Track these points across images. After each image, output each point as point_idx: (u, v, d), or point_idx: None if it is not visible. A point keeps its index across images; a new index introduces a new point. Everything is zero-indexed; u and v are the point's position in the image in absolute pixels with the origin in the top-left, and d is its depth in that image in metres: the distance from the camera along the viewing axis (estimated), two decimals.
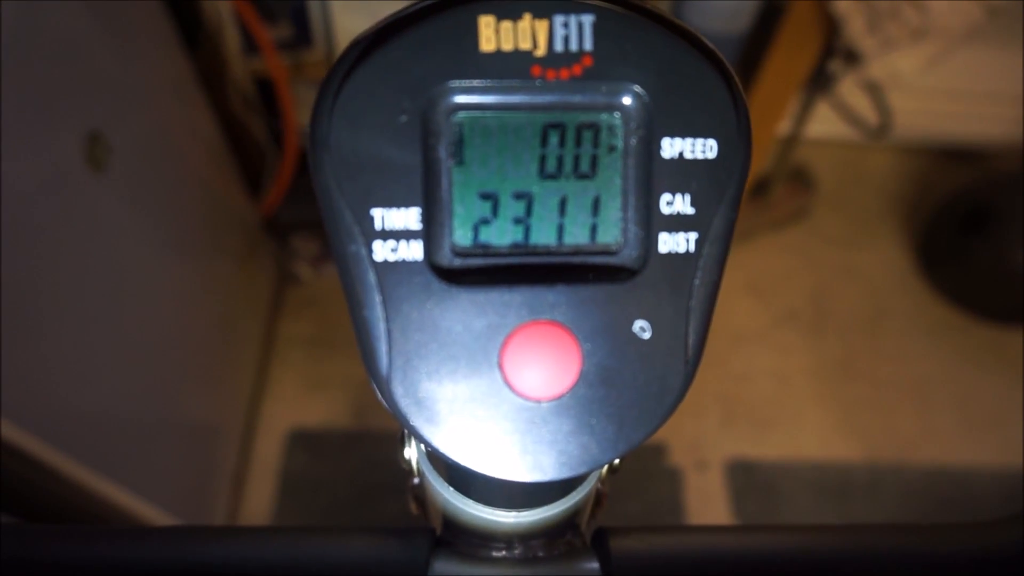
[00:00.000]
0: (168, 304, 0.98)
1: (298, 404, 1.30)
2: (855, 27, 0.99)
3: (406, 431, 0.28)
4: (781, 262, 1.53)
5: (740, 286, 1.48)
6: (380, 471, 1.22)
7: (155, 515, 0.85)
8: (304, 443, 1.26)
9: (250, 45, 1.17)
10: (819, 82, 1.21)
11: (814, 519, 1.25)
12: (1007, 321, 1.46)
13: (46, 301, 0.72)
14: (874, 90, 1.21)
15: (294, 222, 1.38)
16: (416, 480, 0.31)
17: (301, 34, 1.19)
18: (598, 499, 0.30)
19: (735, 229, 0.19)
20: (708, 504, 1.25)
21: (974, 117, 1.55)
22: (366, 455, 1.25)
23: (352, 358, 1.34)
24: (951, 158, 1.67)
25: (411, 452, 0.28)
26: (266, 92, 1.23)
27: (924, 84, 1.40)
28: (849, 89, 1.25)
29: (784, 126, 1.35)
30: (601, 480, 0.28)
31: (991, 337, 1.46)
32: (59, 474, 0.70)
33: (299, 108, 1.26)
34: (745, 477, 1.28)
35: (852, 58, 1.08)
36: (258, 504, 1.20)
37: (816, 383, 1.39)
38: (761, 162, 1.44)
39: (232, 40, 1.16)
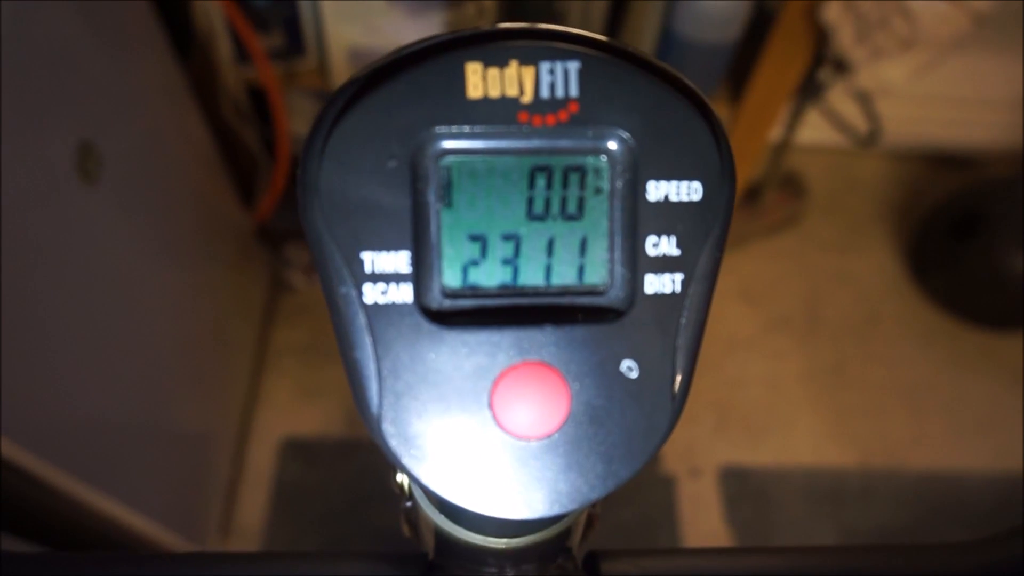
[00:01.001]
0: (161, 313, 0.98)
1: (291, 412, 1.29)
2: (844, 37, 1.00)
3: None
4: (773, 268, 1.54)
5: (733, 292, 1.49)
6: (374, 480, 1.22)
7: (146, 526, 0.85)
8: (298, 451, 1.25)
9: (242, 54, 1.17)
10: (809, 90, 1.22)
11: (807, 525, 1.25)
12: (998, 326, 1.47)
13: (36, 312, 0.71)
14: (863, 98, 1.22)
15: (287, 230, 1.38)
16: (408, 503, 0.31)
17: (293, 43, 1.19)
18: (590, 521, 0.30)
19: (725, 245, 0.19)
20: (701, 511, 1.25)
21: (963, 123, 1.57)
22: (360, 464, 1.25)
23: None
24: (941, 164, 1.68)
25: (403, 476, 0.29)
26: (258, 100, 1.23)
27: (913, 91, 1.41)
28: (839, 97, 1.26)
29: (775, 133, 1.36)
30: (593, 503, 0.29)
31: (982, 342, 1.47)
32: (47, 485, 0.70)
33: (291, 116, 1.26)
34: (738, 483, 1.28)
35: (842, 67, 1.09)
36: (251, 513, 1.19)
37: (809, 389, 1.40)
38: (753, 169, 1.44)
39: (224, 48, 1.16)
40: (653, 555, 0.28)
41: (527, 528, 0.24)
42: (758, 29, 1.11)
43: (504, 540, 0.25)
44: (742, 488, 1.28)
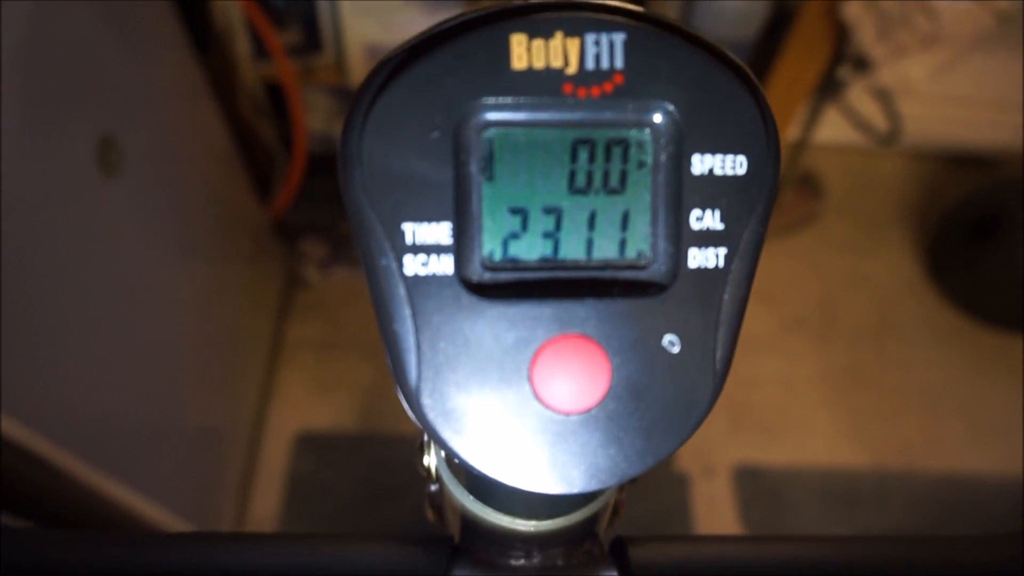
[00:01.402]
0: (177, 307, 0.98)
1: (306, 407, 1.30)
2: (865, 34, 0.99)
3: (427, 439, 0.28)
4: (789, 268, 1.53)
5: None
6: (388, 474, 1.22)
7: (162, 517, 0.86)
8: (311, 446, 1.26)
9: (260, 50, 1.17)
10: (828, 88, 1.21)
11: (821, 526, 1.24)
12: (1016, 329, 1.45)
13: (57, 304, 0.72)
14: (884, 96, 1.21)
15: (302, 226, 1.39)
16: (434, 487, 0.31)
17: (311, 39, 1.20)
18: (616, 508, 0.30)
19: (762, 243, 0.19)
20: (715, 510, 1.24)
21: (984, 124, 1.55)
22: (374, 458, 1.26)
23: (360, 361, 1.34)
24: (960, 164, 1.66)
25: (430, 460, 0.28)
26: (276, 97, 1.24)
27: (934, 90, 1.40)
28: (858, 95, 1.25)
29: (793, 132, 1.35)
30: (620, 488, 0.29)
31: (999, 345, 1.45)
32: (67, 476, 0.71)
33: (308, 113, 1.26)
34: (752, 483, 1.27)
35: (862, 64, 1.08)
36: (265, 507, 1.20)
37: (824, 390, 1.39)
38: None
39: (242, 45, 1.16)
40: (680, 541, 0.28)
41: (560, 507, 0.24)
42: (777, 26, 1.10)
43: (533, 523, 0.25)
44: (756, 488, 1.27)
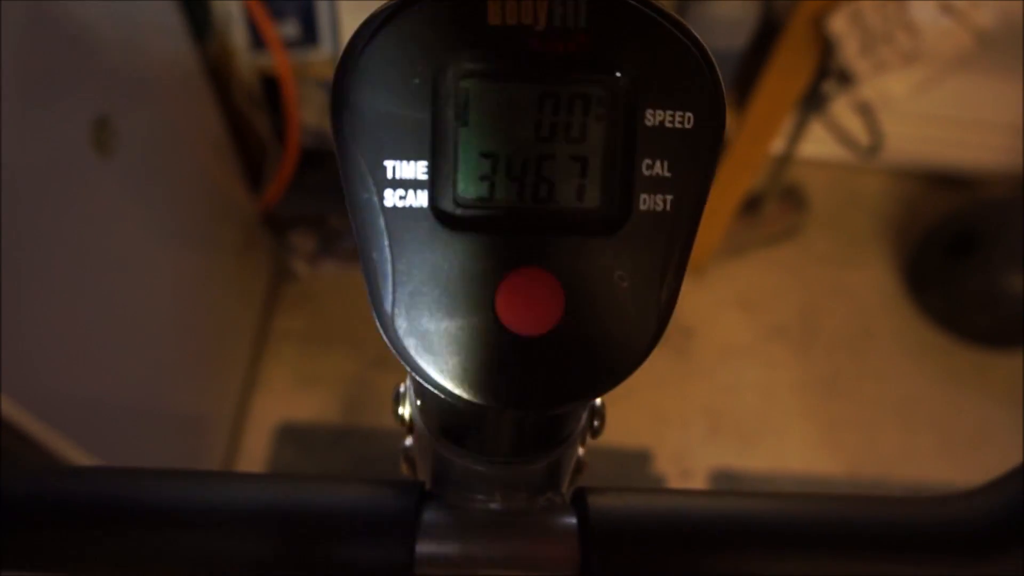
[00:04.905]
0: (164, 293, 0.99)
1: (288, 399, 1.31)
2: (849, 49, 1.02)
3: (402, 391, 0.30)
4: (771, 278, 1.55)
5: (730, 300, 1.51)
6: (368, 468, 1.23)
7: None
8: (293, 438, 1.27)
9: (257, 41, 1.19)
10: (813, 102, 1.24)
11: None
12: (990, 344, 1.49)
13: (44, 282, 0.73)
14: (866, 111, 1.24)
15: (292, 218, 1.40)
16: (408, 442, 0.32)
17: (308, 33, 1.21)
18: (579, 467, 0.32)
19: (713, 219, 0.21)
20: None
21: (963, 144, 1.59)
22: (355, 452, 1.27)
23: (344, 355, 1.35)
24: (940, 183, 1.70)
25: (405, 409, 0.30)
26: (271, 89, 1.25)
27: (915, 110, 1.43)
28: (842, 110, 1.28)
29: (778, 144, 1.38)
30: (582, 445, 0.30)
31: (974, 360, 1.48)
32: (50, 454, 0.71)
33: (303, 106, 1.28)
34: (728, 488, 1.29)
35: (845, 79, 1.11)
36: None
37: (801, 398, 1.41)
38: (754, 179, 1.46)
39: (240, 36, 1.18)
40: (639, 492, 0.30)
41: (524, 444, 0.26)
42: (764, 39, 1.13)
43: (500, 464, 0.27)
44: None
